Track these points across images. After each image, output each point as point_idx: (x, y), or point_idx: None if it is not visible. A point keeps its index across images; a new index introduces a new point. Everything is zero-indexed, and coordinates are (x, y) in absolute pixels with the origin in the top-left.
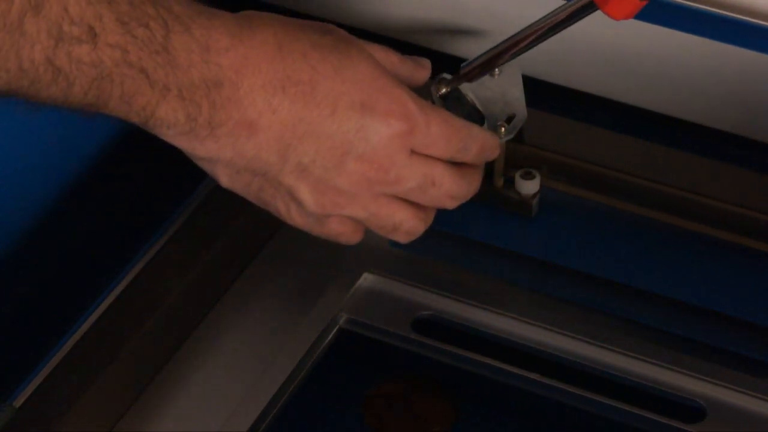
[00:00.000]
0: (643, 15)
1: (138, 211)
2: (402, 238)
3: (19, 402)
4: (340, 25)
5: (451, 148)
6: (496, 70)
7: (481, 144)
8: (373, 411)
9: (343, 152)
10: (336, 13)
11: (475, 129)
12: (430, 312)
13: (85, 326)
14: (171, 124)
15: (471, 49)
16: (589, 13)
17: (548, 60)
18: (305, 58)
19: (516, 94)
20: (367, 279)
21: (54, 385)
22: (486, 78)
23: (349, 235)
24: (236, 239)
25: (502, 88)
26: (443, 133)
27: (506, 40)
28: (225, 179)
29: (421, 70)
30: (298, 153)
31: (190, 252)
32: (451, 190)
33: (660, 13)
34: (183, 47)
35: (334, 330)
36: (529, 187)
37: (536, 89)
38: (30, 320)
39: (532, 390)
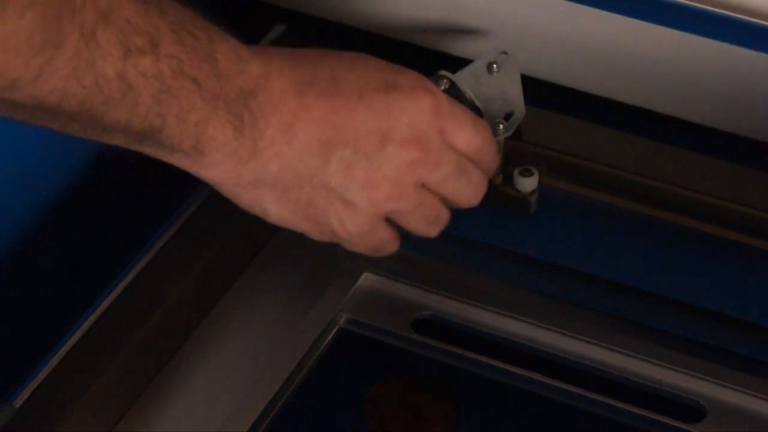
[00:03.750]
0: (642, 14)
1: (138, 211)
2: (436, 231)
3: (19, 402)
4: (341, 26)
5: (477, 139)
6: (494, 67)
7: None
8: (373, 411)
9: (380, 137)
10: (336, 13)
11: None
12: (430, 312)
13: (85, 326)
14: (220, 143)
15: (471, 49)
16: None
17: (547, 59)
18: (321, 59)
19: (514, 92)
20: (367, 279)
21: (54, 385)
22: (485, 76)
23: (394, 241)
24: (236, 239)
25: (500, 86)
26: (470, 118)
27: None
28: (273, 205)
29: None
30: (339, 147)
31: (190, 252)
32: (479, 185)
33: (660, 12)
34: (224, 56)
35: (334, 330)
36: (528, 184)
37: (535, 87)
38: (30, 320)
39: (532, 390)
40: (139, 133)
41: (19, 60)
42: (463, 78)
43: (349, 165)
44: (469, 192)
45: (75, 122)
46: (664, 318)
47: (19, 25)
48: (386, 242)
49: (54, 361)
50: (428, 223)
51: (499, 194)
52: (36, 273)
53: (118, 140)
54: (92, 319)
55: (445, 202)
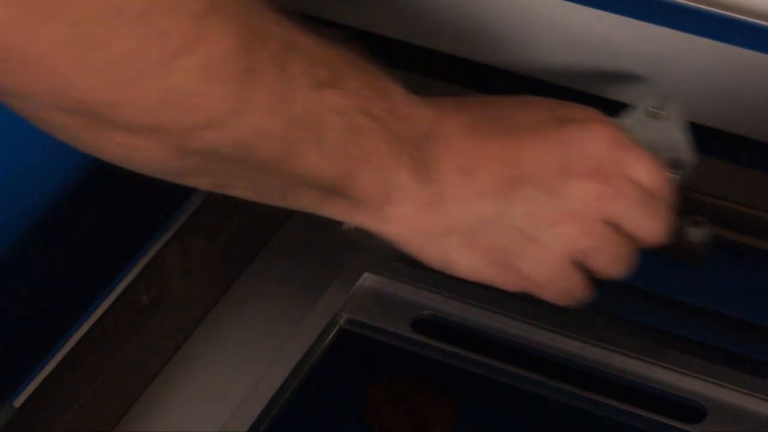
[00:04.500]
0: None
1: (138, 211)
2: (623, 270)
3: (19, 402)
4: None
5: (657, 173)
6: (657, 112)
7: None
8: (373, 411)
9: (560, 170)
10: (482, 54)
11: None
12: (430, 312)
13: (85, 326)
14: (405, 189)
15: (630, 92)
16: None
17: (706, 103)
18: (489, 102)
19: (680, 138)
20: (367, 279)
21: (54, 385)
22: (647, 121)
23: (584, 284)
24: (236, 239)
25: (664, 132)
26: (647, 152)
27: None
28: (462, 255)
29: None
30: (520, 185)
31: (190, 252)
32: (665, 218)
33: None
34: (400, 97)
35: (334, 330)
36: (699, 234)
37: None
38: (30, 320)
39: (532, 390)
40: (330, 185)
41: (220, 90)
42: (625, 124)
43: (533, 203)
44: (655, 226)
45: (268, 176)
46: (664, 318)
47: (220, 47)
48: (577, 286)
49: (54, 361)
50: (616, 260)
51: (668, 244)
52: (36, 273)
53: (306, 199)
54: (93, 318)
55: (630, 238)
